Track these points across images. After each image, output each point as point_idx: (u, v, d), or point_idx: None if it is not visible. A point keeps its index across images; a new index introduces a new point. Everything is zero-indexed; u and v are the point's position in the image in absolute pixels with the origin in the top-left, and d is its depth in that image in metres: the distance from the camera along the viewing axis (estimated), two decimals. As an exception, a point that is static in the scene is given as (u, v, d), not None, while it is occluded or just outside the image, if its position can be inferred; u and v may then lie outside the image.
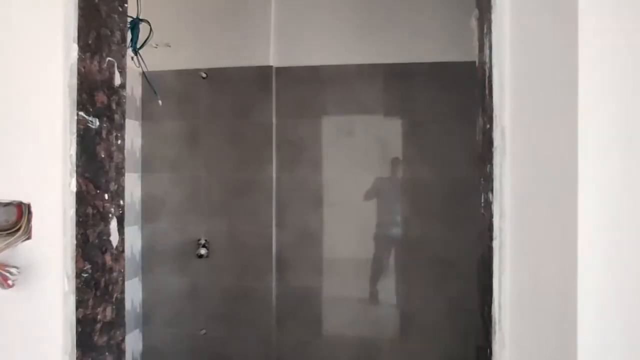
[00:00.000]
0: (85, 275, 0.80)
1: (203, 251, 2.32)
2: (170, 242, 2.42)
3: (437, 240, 2.26)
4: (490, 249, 0.67)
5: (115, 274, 0.88)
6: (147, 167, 2.44)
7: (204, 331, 2.38)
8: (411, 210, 2.31)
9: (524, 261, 0.71)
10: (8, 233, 0.84)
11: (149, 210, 2.43)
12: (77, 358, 0.79)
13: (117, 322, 0.90)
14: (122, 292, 0.92)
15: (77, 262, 0.78)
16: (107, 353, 0.86)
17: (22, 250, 0.80)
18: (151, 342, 2.43)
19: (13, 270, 0.76)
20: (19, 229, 0.83)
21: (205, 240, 2.34)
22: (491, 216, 0.67)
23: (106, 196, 0.86)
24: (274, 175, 2.38)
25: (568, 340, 0.55)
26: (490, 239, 0.68)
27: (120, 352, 0.91)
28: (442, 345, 2.24)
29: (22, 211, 0.84)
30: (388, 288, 2.36)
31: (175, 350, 2.45)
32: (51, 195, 0.79)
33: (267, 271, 2.34)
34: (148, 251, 2.45)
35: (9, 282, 0.76)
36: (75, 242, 0.78)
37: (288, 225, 2.39)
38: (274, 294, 2.34)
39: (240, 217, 2.36)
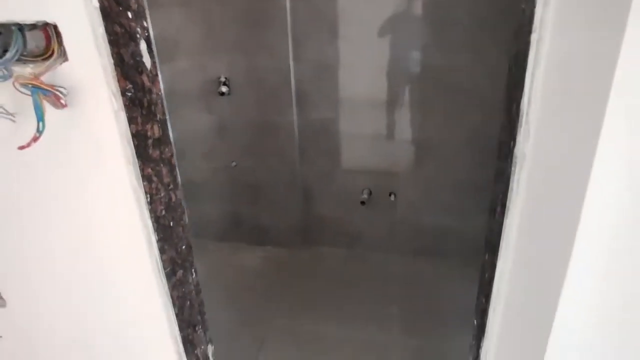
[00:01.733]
0: (129, 94, 0.84)
1: (224, 89, 2.34)
2: (191, 81, 2.43)
3: (459, 69, 2.20)
4: (527, 44, 0.67)
5: (154, 95, 0.92)
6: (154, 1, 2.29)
7: (234, 163, 2.58)
8: (433, 39, 2.20)
9: (558, 59, 0.70)
10: (43, 59, 0.85)
11: (164, 51, 2.38)
12: (139, 167, 0.89)
13: (165, 140, 0.98)
14: (164, 113, 0.97)
15: (119, 81, 0.81)
16: (162, 165, 0.96)
17: (61, 74, 0.83)
18: (187, 176, 2.67)
19: (63, 90, 0.80)
20: (52, 53, 0.84)
21: (225, 78, 2.34)
22: (533, 7, 0.64)
23: (129, 14, 0.84)
24: (288, 5, 2.22)
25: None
26: (529, 32, 0.66)
27: (172, 166, 1.02)
28: (458, 173, 2.40)
29: (49, 34, 0.83)
30: (405, 120, 2.42)
31: (211, 181, 2.70)
32: (75, 13, 0.77)
33: (287, 105, 2.39)
34: (170, 92, 2.49)
35: (62, 101, 0.81)
36: (112, 61, 0.80)
37: (305, 59, 2.34)
38: (295, 127, 2.44)
39: (258, 53, 2.30)
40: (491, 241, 0.93)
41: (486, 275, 1.00)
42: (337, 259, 2.67)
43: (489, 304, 1.04)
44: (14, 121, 0.87)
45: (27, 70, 0.83)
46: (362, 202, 2.50)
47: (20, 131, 0.87)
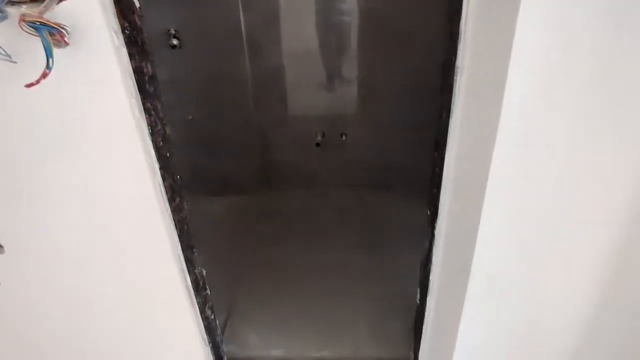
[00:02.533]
0: (127, 32, 0.94)
1: (175, 41, 2.35)
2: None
3: (400, 14, 2.38)
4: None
5: (145, 35, 1.02)
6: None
7: (190, 117, 2.63)
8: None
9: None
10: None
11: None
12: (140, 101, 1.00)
13: (155, 78, 1.08)
14: (151, 53, 1.06)
15: (118, 18, 0.90)
16: (157, 100, 1.07)
17: (61, 12, 0.89)
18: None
19: (67, 28, 0.88)
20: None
21: (175, 31, 2.34)
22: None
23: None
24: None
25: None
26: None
27: (162, 102, 1.12)
28: (402, 111, 2.64)
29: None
30: (352, 65, 2.59)
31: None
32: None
33: (239, 55, 2.46)
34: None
35: (66, 39, 0.88)
36: (111, -1, 0.88)
37: (254, 9, 2.39)
38: (248, 76, 2.53)
39: (207, 3, 2.32)
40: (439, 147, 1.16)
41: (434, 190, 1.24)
42: (297, 199, 2.88)
43: (436, 216, 1.28)
44: (15, 62, 0.93)
45: (21, 10, 0.89)
46: (317, 144, 2.69)
47: (18, 73, 0.93)
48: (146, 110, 1.03)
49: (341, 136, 2.76)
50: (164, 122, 1.12)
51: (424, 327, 1.52)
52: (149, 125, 1.05)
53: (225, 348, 1.67)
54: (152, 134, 1.06)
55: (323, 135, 2.73)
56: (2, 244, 1.28)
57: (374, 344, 1.81)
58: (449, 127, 1.04)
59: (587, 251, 1.09)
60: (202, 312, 1.46)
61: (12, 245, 1.27)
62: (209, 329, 1.51)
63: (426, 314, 1.47)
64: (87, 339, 1.49)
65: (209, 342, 1.54)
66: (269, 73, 2.57)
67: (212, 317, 1.54)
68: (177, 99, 2.56)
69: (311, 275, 2.25)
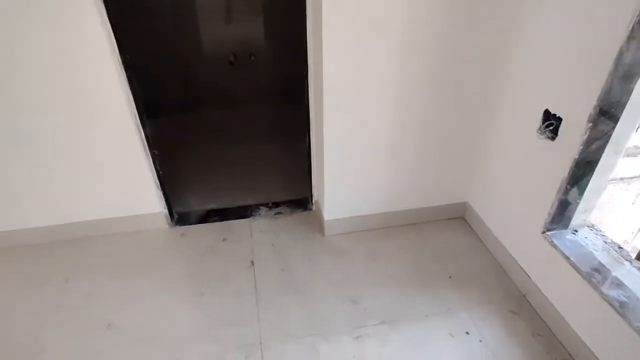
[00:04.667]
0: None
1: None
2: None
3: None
4: None
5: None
6: None
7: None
8: None
9: None
10: None
11: None
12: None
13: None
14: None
15: None
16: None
17: None
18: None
19: None
20: None
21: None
22: None
23: None
24: None
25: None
26: None
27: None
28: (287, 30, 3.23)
29: None
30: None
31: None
32: None
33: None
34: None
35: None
36: None
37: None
38: (169, 9, 2.95)
39: None
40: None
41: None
42: (217, 115, 3.42)
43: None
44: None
45: None
46: (231, 63, 3.22)
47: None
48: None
49: (250, 56, 3.31)
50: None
51: (311, 154, 2.18)
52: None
53: (172, 203, 2.26)
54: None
55: (235, 56, 3.27)
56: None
57: (284, 191, 2.50)
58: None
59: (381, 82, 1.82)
60: (154, 162, 2.02)
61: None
62: (160, 178, 2.09)
63: (311, 148, 2.15)
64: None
65: (160, 189, 2.12)
66: (186, 6, 3.01)
67: (161, 172, 2.10)
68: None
69: (233, 152, 2.88)
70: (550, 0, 1.48)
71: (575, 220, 1.64)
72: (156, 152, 2.06)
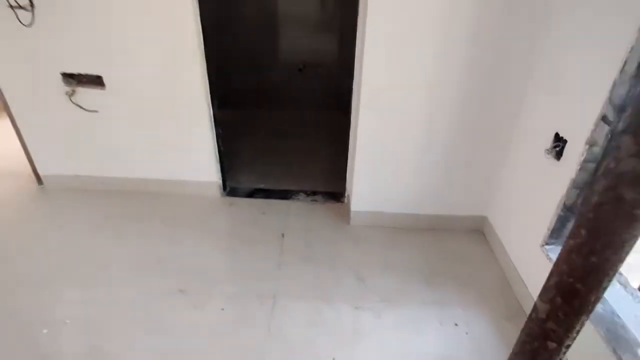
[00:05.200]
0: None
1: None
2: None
3: None
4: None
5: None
6: None
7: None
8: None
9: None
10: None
11: None
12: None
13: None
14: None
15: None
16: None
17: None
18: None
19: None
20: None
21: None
22: None
23: None
24: None
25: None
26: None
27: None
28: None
29: None
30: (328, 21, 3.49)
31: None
32: None
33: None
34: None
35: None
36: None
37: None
38: (251, 20, 3.44)
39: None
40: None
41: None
42: (277, 111, 3.83)
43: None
44: (137, -31, 1.87)
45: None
46: (299, 70, 3.63)
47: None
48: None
49: (317, 67, 3.70)
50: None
51: (349, 154, 2.46)
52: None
53: (227, 177, 2.67)
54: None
55: (304, 65, 3.67)
56: (105, 84, 2.25)
57: (322, 183, 2.80)
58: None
59: (421, 83, 2.06)
60: (217, 139, 2.44)
61: (110, 85, 2.24)
62: (220, 153, 2.50)
63: (349, 149, 2.44)
64: (153, 147, 2.48)
65: (218, 162, 2.53)
66: (268, 17, 3.49)
67: (222, 149, 2.51)
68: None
69: (285, 145, 3.25)
70: (567, 40, 1.66)
71: (577, 241, 1.75)
72: (220, 131, 2.47)
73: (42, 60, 2.20)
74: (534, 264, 1.85)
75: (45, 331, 1.72)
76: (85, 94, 2.31)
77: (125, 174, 2.59)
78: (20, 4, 1.97)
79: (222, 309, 1.86)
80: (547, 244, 1.76)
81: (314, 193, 2.72)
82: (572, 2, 1.64)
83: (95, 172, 2.60)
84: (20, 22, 2.02)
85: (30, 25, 2.04)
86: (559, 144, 1.67)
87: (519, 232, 2.02)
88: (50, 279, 1.98)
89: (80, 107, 2.34)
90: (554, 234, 1.73)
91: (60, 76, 2.25)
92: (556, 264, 0.59)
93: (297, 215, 2.51)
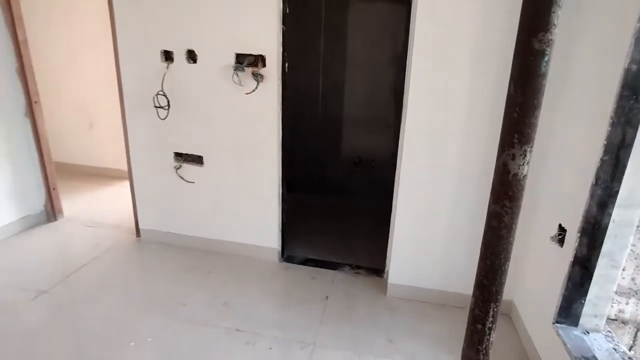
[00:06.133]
0: (281, 80, 2.64)
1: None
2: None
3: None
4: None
5: (286, 80, 2.72)
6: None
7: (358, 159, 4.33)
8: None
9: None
10: (255, 64, 2.65)
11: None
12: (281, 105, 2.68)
13: (286, 97, 2.76)
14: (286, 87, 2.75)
15: (282, 75, 2.61)
16: (287, 104, 2.74)
17: (262, 70, 2.63)
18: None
19: (262, 74, 2.60)
20: (258, 63, 2.64)
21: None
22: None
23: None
24: None
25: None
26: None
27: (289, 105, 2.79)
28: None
29: (260, 57, 2.64)
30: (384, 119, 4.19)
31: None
32: (270, 51, 2.58)
33: (314, 103, 4.18)
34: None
35: (262, 80, 2.61)
36: (280, 70, 2.60)
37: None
38: (320, 119, 4.22)
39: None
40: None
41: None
42: (333, 196, 4.38)
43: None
44: (242, 86, 2.66)
45: (248, 69, 2.63)
46: (355, 163, 4.25)
47: (243, 89, 2.66)
48: (283, 103, 2.71)
49: (372, 162, 4.30)
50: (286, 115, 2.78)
51: (390, 232, 2.88)
52: (282, 115, 2.71)
53: (285, 245, 3.16)
54: (282, 116, 2.72)
55: (360, 159, 4.30)
56: (204, 162, 2.97)
57: (366, 259, 3.17)
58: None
59: (454, 163, 2.50)
60: (282, 213, 3.00)
61: (208, 163, 2.96)
62: (283, 225, 3.04)
63: (390, 227, 2.86)
64: (235, 211, 3.09)
65: (280, 232, 3.05)
66: (333, 117, 4.26)
67: (284, 221, 3.05)
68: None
69: (337, 225, 3.72)
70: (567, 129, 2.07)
71: (587, 323, 1.95)
72: (285, 207, 3.04)
73: (164, 143, 3.01)
74: (549, 340, 2.04)
75: (132, 344, 2.20)
76: (188, 168, 3.04)
77: (206, 235, 3.19)
78: (162, 105, 2.82)
79: (270, 348, 2.22)
80: (557, 322, 1.98)
81: (358, 267, 3.11)
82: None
83: (183, 231, 3.23)
84: (159, 117, 2.87)
85: (164, 119, 2.88)
86: (561, 233, 1.99)
87: (536, 313, 2.24)
88: (138, 308, 2.50)
89: (182, 179, 3.06)
90: (563, 313, 1.96)
91: (173, 154, 3.03)
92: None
93: (341, 283, 2.89)
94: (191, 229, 3.22)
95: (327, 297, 2.70)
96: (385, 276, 2.98)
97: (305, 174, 4.40)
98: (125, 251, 3.18)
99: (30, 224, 3.47)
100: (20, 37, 3.18)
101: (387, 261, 2.97)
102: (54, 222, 3.59)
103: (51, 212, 3.61)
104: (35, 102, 3.36)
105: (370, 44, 3.95)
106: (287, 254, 3.20)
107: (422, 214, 2.57)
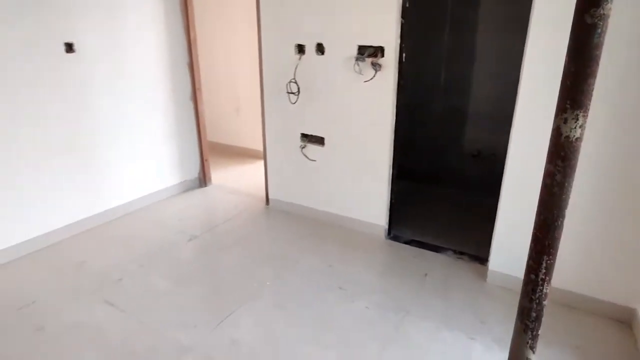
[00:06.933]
0: (398, 69, 2.85)
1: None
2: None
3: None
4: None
5: (403, 70, 2.92)
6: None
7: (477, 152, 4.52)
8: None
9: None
10: (374, 55, 2.92)
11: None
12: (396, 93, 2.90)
13: (402, 85, 2.96)
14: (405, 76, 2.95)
15: (399, 65, 2.83)
16: (402, 94, 2.95)
17: (381, 60, 2.87)
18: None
19: (380, 64, 2.85)
20: (377, 54, 2.90)
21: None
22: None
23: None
24: None
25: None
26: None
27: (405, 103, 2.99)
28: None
29: (380, 49, 2.89)
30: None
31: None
32: (390, 43, 2.81)
33: (438, 92, 4.25)
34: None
35: (380, 69, 2.86)
36: (397, 58, 2.82)
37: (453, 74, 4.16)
38: (442, 112, 4.28)
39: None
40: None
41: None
42: (445, 184, 4.39)
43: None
44: (362, 75, 2.95)
45: (368, 60, 2.90)
46: (473, 156, 4.20)
47: (362, 77, 2.95)
48: (398, 91, 2.92)
49: (492, 155, 4.19)
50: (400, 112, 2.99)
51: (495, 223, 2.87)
52: (396, 105, 2.93)
53: (392, 224, 3.38)
54: (397, 114, 2.94)
55: (479, 152, 4.23)
56: (325, 143, 3.36)
57: (470, 246, 3.19)
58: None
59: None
60: (391, 194, 3.22)
61: (328, 144, 3.33)
62: (391, 205, 3.26)
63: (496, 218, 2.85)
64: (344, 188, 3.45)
65: (388, 212, 3.28)
66: (452, 110, 4.28)
67: (393, 202, 3.27)
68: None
69: (445, 213, 3.77)
70: None
71: None
72: (394, 189, 3.26)
73: (293, 125, 3.49)
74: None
75: (255, 284, 2.70)
76: (311, 148, 3.47)
77: (321, 207, 3.60)
78: (293, 91, 3.30)
79: (367, 307, 2.50)
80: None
81: (462, 253, 3.16)
82: None
83: (303, 202, 3.70)
84: (290, 102, 3.35)
85: (294, 103, 3.35)
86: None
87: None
88: (262, 259, 3.02)
89: (306, 157, 3.51)
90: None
91: (299, 135, 3.49)
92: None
93: (442, 264, 3.00)
94: (309, 201, 3.66)
95: (425, 275, 2.85)
96: (487, 264, 2.98)
97: (418, 161, 4.51)
98: (256, 215, 3.79)
99: (187, 187, 4.34)
100: (192, 37, 4.00)
101: (490, 250, 2.96)
102: (204, 187, 4.42)
103: (203, 179, 4.46)
104: (198, 90, 4.18)
105: (500, 37, 3.86)
106: (394, 233, 3.41)
107: (528, 206, 2.51)
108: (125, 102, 3.57)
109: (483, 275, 2.86)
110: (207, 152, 4.43)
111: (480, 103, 4.14)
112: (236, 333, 2.29)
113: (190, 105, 4.17)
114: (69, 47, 3.10)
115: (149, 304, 2.53)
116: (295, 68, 3.28)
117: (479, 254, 3.12)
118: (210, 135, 4.94)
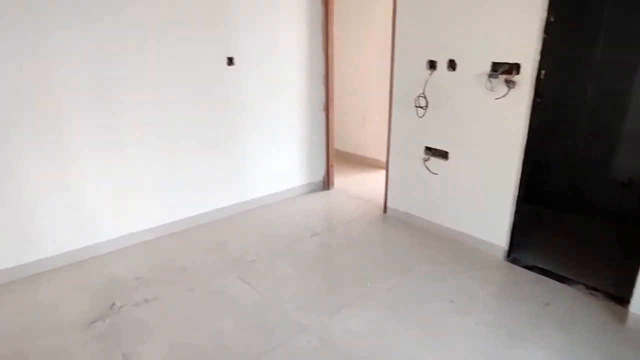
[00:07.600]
0: (536, 88, 2.76)
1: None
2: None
3: None
4: None
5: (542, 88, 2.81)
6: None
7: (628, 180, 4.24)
8: None
9: None
10: (508, 72, 2.87)
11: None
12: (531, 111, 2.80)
13: (538, 102, 2.85)
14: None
15: (537, 84, 2.74)
16: (538, 98, 2.84)
17: (515, 77, 2.81)
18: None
19: (515, 81, 2.79)
20: (512, 71, 2.84)
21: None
22: None
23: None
24: None
25: None
26: None
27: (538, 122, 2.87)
28: None
29: (515, 66, 2.83)
30: None
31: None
32: (526, 60, 2.74)
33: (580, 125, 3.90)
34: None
35: (513, 86, 2.80)
36: (535, 75, 2.73)
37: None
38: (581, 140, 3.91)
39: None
40: None
41: None
42: (584, 219, 3.95)
43: None
44: (493, 92, 2.93)
45: (502, 77, 2.86)
46: (623, 185, 3.72)
47: (493, 94, 2.92)
48: (533, 110, 2.82)
49: (644, 183, 3.67)
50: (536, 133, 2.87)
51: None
52: (530, 120, 2.83)
53: (512, 246, 3.22)
54: (529, 136, 2.84)
55: (630, 180, 3.74)
56: (449, 158, 3.38)
57: (606, 282, 2.86)
58: None
59: None
60: (515, 214, 3.09)
61: (452, 159, 3.35)
62: (513, 225, 3.13)
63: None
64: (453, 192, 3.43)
65: (510, 232, 3.15)
66: (603, 129, 3.87)
67: (516, 222, 3.13)
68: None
69: (578, 244, 3.43)
70: None
71: None
72: (518, 210, 3.12)
73: (418, 137, 3.59)
74: None
75: (368, 284, 2.87)
76: (434, 161, 3.52)
77: (438, 221, 3.62)
78: (421, 105, 3.42)
79: (476, 323, 2.48)
80: None
81: (595, 289, 2.87)
82: None
83: (420, 214, 3.76)
84: (417, 115, 3.48)
85: (421, 117, 3.47)
86: None
87: None
88: (375, 262, 3.18)
89: (428, 169, 3.57)
90: None
91: (424, 148, 3.57)
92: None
93: (568, 297, 2.77)
94: (427, 213, 3.71)
95: (547, 304, 2.68)
96: (628, 307, 2.65)
97: (552, 185, 4.18)
98: (373, 220, 3.97)
99: (312, 188, 4.74)
100: (329, 54, 4.40)
101: (634, 290, 2.63)
102: (327, 190, 4.78)
103: (326, 183, 4.82)
104: (331, 101, 4.56)
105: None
106: (513, 256, 3.26)
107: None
108: (270, 109, 4.12)
109: (621, 317, 2.57)
110: (333, 159, 4.79)
111: (637, 124, 3.68)
112: (348, 323, 2.49)
113: (323, 114, 4.56)
114: (230, 61, 3.71)
115: (275, 285, 2.90)
116: (425, 83, 3.38)
117: (617, 293, 2.79)
118: (336, 143, 5.30)
